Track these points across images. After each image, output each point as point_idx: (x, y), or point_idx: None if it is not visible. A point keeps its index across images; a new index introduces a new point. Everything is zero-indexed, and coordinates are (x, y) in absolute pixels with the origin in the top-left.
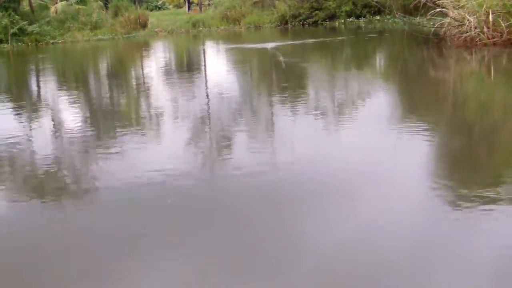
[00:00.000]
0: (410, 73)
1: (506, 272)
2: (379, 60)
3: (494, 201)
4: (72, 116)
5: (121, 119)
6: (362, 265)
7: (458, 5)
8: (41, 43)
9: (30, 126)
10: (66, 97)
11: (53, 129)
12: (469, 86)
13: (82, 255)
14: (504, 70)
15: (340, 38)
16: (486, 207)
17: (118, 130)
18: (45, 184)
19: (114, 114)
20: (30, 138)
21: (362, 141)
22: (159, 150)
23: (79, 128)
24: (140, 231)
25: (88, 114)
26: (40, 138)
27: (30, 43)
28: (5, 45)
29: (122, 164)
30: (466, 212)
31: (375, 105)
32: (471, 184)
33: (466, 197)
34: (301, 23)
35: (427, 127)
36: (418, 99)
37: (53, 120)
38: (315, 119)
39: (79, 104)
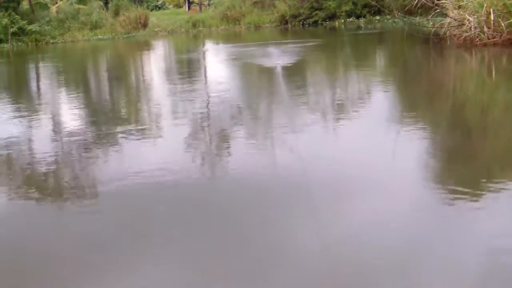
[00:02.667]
0: (410, 73)
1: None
2: (380, 60)
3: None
4: (69, 116)
5: (119, 118)
6: (362, 265)
7: (458, 5)
8: (41, 42)
9: (28, 125)
10: (65, 97)
11: (51, 127)
12: (468, 85)
13: (75, 256)
14: (504, 70)
15: (341, 38)
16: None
17: (117, 129)
18: (42, 183)
19: (113, 113)
20: (28, 137)
21: (362, 141)
22: (158, 150)
23: (75, 128)
24: (134, 235)
25: (86, 114)
26: (39, 136)
27: (30, 43)
28: (5, 45)
29: (120, 164)
30: (465, 211)
31: (376, 105)
32: (471, 184)
33: (465, 197)
34: (301, 23)
35: (426, 127)
36: (417, 99)
37: (51, 119)
38: (316, 119)
39: (76, 105)
